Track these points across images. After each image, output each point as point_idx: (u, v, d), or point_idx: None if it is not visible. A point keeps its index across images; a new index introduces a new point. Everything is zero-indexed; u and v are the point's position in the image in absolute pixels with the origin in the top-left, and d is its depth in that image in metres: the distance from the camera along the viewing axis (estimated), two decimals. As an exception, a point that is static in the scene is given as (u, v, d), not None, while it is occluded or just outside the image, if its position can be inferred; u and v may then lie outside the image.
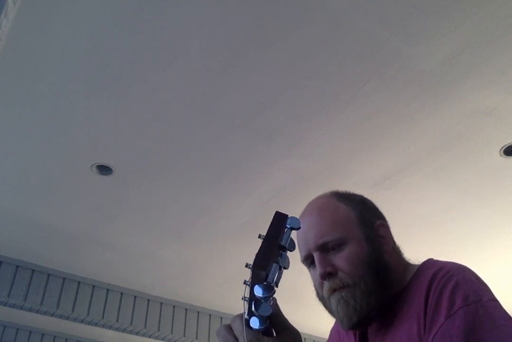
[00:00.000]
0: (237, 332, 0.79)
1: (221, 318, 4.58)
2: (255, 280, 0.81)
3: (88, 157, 2.98)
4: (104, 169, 3.06)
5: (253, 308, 0.79)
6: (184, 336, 4.31)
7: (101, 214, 3.44)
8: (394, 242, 1.03)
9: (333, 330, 1.12)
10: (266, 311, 0.79)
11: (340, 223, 0.98)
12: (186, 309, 4.45)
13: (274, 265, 0.82)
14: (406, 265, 1.01)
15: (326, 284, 0.95)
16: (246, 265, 0.83)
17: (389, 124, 2.74)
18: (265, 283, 0.81)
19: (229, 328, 0.81)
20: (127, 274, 4.09)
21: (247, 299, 0.81)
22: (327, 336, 1.15)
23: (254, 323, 0.79)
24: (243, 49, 2.37)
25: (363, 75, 2.47)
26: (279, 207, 3.64)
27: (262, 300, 0.79)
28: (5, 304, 3.77)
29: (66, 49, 2.39)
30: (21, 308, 3.83)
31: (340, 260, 0.95)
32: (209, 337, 4.42)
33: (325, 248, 0.97)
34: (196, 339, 4.35)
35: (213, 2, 2.18)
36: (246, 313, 0.80)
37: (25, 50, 2.40)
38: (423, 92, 2.56)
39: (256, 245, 0.83)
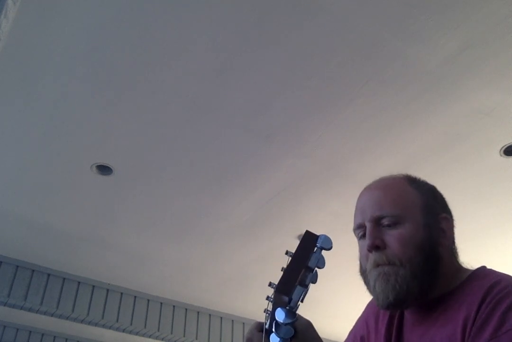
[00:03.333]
0: None
1: (221, 318, 4.57)
2: (277, 303, 0.81)
3: (88, 157, 2.98)
4: (104, 170, 3.06)
5: (273, 329, 0.79)
6: (184, 336, 4.30)
7: (101, 214, 3.44)
8: (453, 242, 1.01)
9: (360, 320, 1.10)
10: (288, 334, 0.80)
11: (402, 202, 0.97)
12: (186, 309, 4.45)
13: (299, 287, 0.81)
14: (459, 268, 0.99)
15: (372, 257, 0.94)
16: (270, 284, 0.82)
17: (389, 124, 2.74)
18: (287, 307, 0.80)
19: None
20: (127, 274, 4.08)
21: (269, 312, 0.81)
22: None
23: (274, 340, 0.79)
24: (243, 49, 2.37)
25: (363, 75, 2.47)
26: (279, 207, 3.64)
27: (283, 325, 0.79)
28: (5, 304, 3.77)
29: (66, 49, 2.39)
30: (21, 308, 3.83)
31: (392, 237, 0.93)
32: (209, 337, 4.42)
33: (380, 222, 0.95)
34: (196, 339, 4.34)
35: (213, 2, 2.18)
36: (267, 325, 0.81)
37: (25, 50, 2.39)
38: (423, 92, 2.56)
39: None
